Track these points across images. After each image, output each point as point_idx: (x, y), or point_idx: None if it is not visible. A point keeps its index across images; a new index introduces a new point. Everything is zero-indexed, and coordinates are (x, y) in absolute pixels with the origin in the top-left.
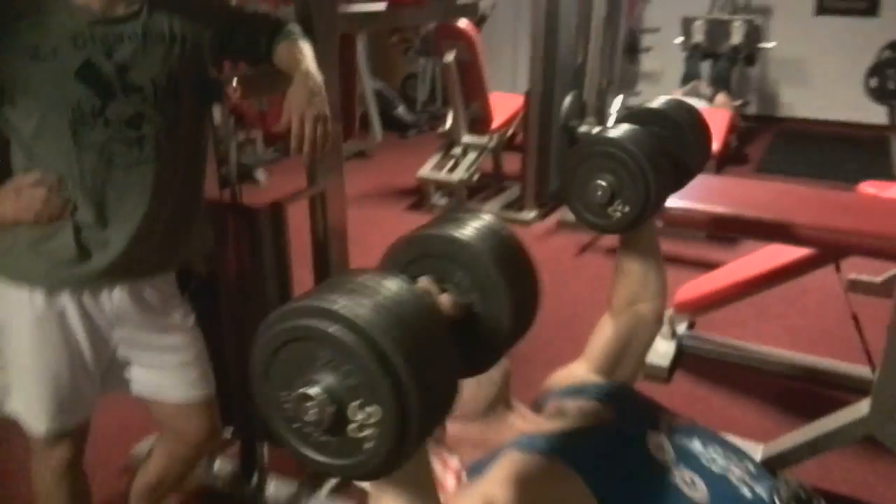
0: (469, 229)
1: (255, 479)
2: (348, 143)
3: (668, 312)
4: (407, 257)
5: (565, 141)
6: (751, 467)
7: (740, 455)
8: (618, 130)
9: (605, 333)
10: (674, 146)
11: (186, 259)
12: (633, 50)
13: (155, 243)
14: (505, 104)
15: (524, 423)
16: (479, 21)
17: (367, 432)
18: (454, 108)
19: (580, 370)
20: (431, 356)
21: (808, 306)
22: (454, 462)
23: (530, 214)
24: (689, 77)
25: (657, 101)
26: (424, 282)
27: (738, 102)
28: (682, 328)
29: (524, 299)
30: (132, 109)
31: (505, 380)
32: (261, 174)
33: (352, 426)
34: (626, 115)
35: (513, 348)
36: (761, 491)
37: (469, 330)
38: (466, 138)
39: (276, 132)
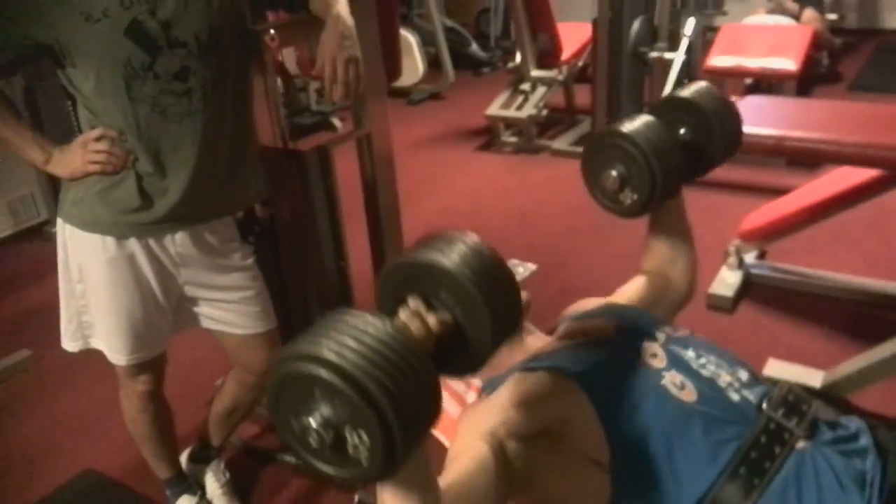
0: (453, 253)
1: None
2: (421, 85)
3: (735, 241)
4: (399, 280)
5: (636, 69)
6: (743, 376)
7: (734, 365)
8: (631, 124)
9: (633, 284)
10: (696, 135)
11: (242, 204)
12: None
13: (210, 189)
14: (574, 34)
15: (538, 343)
16: None
17: (361, 452)
18: (520, 42)
19: (600, 301)
20: (409, 387)
21: (890, 231)
22: (476, 381)
23: None
24: None
25: (687, 90)
26: (413, 302)
27: (830, 17)
28: (750, 258)
29: (503, 312)
30: (178, 63)
31: (523, 309)
32: (337, 121)
33: (349, 446)
34: (653, 105)
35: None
36: (749, 395)
37: (456, 340)
38: (535, 72)
39: (314, 76)
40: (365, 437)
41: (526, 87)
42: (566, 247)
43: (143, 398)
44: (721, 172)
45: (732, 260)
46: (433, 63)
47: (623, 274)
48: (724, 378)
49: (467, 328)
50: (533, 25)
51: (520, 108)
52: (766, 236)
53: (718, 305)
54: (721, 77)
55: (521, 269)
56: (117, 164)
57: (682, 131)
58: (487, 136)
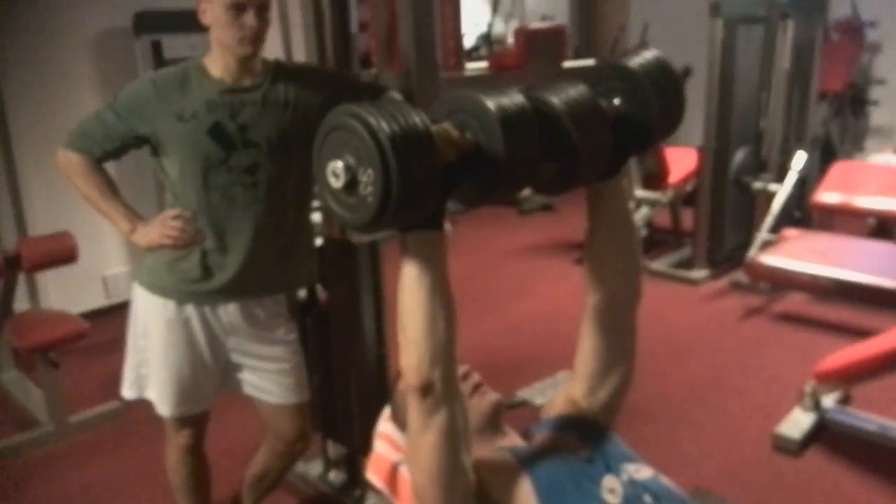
0: (491, 94)
1: (358, 490)
2: (534, 198)
3: (811, 382)
4: (443, 109)
5: (742, 197)
6: None
7: None
8: (552, 88)
9: (582, 348)
10: (631, 105)
11: (292, 285)
12: (858, 103)
13: (264, 269)
14: (685, 159)
15: (510, 444)
16: (684, 75)
17: (368, 190)
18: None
19: (573, 392)
20: (413, 153)
21: None
22: None
23: (700, 274)
24: None
25: (627, 57)
26: (446, 123)
27: None
28: (830, 401)
29: (520, 149)
30: (250, 160)
31: (494, 411)
32: (447, 225)
33: (360, 186)
34: (588, 71)
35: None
36: None
37: (479, 160)
38: (639, 192)
39: None
40: (371, 173)
41: (630, 205)
42: (638, 367)
43: (183, 451)
44: (822, 311)
45: (807, 401)
46: None
47: (691, 402)
48: None
49: (487, 151)
50: None
51: None
52: (841, 379)
53: (783, 446)
54: (829, 213)
55: (562, 375)
56: (187, 240)
57: (616, 101)
58: None
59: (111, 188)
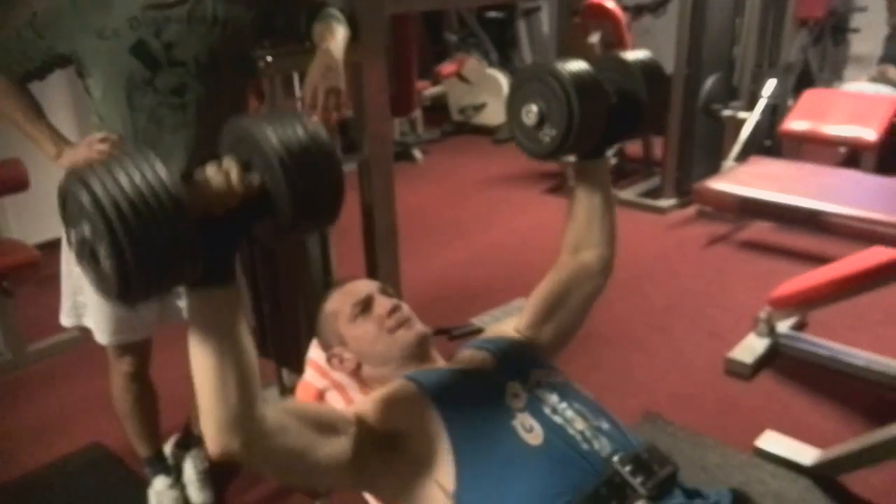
0: (274, 125)
1: None
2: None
3: (766, 309)
4: (230, 140)
5: (712, 125)
6: (603, 426)
7: (597, 415)
8: (561, 62)
9: (540, 287)
10: (625, 98)
11: None
12: (839, 31)
13: None
14: None
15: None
16: (662, 2)
17: (106, 264)
18: None
19: (509, 325)
20: (150, 222)
21: None
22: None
23: (668, 202)
24: (886, 60)
25: (631, 53)
26: (225, 160)
27: None
28: (785, 327)
29: (308, 186)
30: (177, 80)
31: (419, 343)
32: (418, 153)
33: (101, 260)
34: (596, 60)
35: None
36: (599, 446)
37: (264, 204)
38: None
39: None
40: (106, 253)
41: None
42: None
43: (126, 378)
44: (787, 239)
45: (762, 327)
46: None
47: (647, 328)
48: (578, 426)
49: (274, 194)
50: None
51: None
52: (794, 305)
53: (735, 371)
54: (797, 141)
55: (518, 302)
56: None
57: (612, 91)
58: (558, 180)
59: (35, 110)
